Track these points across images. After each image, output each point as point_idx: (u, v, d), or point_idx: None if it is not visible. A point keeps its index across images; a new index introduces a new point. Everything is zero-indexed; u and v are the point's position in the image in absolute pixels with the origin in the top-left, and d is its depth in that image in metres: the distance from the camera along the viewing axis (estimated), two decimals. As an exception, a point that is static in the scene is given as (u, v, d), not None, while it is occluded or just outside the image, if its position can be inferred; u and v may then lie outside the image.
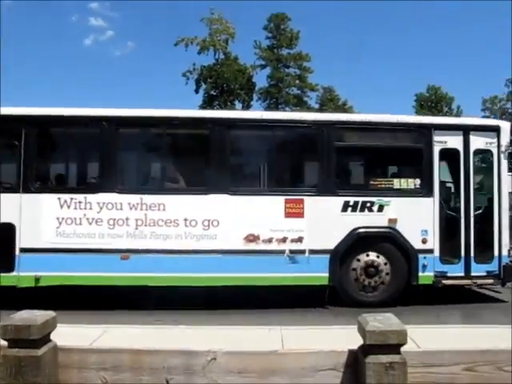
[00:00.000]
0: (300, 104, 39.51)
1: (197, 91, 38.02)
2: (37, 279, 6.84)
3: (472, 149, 7.49)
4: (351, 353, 2.04)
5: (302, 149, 7.98)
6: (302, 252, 7.05)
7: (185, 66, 38.41)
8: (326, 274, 7.08)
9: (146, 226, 7.01)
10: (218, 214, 7.07)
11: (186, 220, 7.04)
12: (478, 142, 7.50)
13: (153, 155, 7.94)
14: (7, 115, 7.06)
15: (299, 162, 8.24)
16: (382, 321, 1.98)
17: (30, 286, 6.83)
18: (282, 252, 7.03)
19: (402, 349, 1.96)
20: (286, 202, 7.14)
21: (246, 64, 38.41)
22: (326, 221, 7.14)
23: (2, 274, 6.82)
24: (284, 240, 7.07)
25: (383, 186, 7.43)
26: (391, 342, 1.90)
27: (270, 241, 7.07)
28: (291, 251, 7.03)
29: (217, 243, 7.04)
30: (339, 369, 2.03)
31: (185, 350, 2.14)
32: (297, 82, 40.42)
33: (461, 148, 7.49)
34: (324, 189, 7.25)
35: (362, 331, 1.95)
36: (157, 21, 53.08)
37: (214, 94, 38.06)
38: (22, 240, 6.91)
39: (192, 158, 7.97)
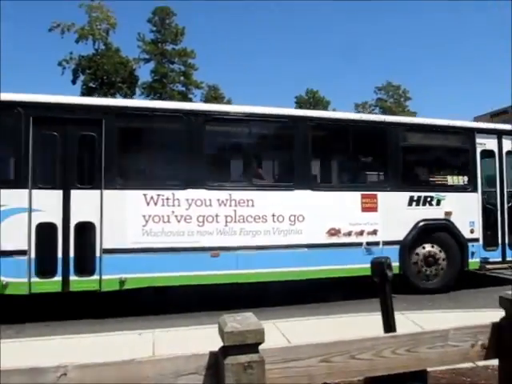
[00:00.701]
0: (184, 101, 39.25)
1: (74, 82, 35.79)
2: (121, 282, 6.33)
3: (504, 150, 8.68)
4: (212, 355, 2.02)
5: (376, 148, 8.47)
6: (377, 244, 7.61)
7: (61, 54, 35.95)
8: (397, 264, 7.56)
9: (235, 222, 6.91)
10: (302, 210, 7.25)
11: (273, 216, 7.12)
12: (509, 144, 8.74)
13: (241, 152, 7.84)
14: (88, 105, 6.72)
15: (373, 160, 8.83)
16: (241, 321, 1.99)
17: (114, 289, 6.26)
18: (360, 244, 7.52)
19: (265, 346, 1.93)
20: (363, 197, 7.65)
21: (128, 57, 37.03)
22: (396, 214, 7.74)
23: (82, 278, 6.23)
24: (361, 233, 7.58)
25: (440, 182, 8.29)
26: (249, 342, 1.92)
27: (349, 234, 7.50)
28: (368, 243, 7.54)
29: (302, 238, 7.24)
30: (201, 372, 2.01)
31: (27, 367, 1.90)
32: (181, 78, 40.12)
33: (496, 149, 8.65)
34: (394, 185, 7.88)
35: (221, 332, 1.92)
36: (28, 1, 48.72)
37: (93, 85, 36.06)
38: (104, 240, 6.31)
39: (278, 154, 8.18)
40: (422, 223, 7.95)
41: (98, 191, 6.42)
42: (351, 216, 7.57)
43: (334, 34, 71.94)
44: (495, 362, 2.89)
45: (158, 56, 39.17)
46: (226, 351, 1.98)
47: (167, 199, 6.65)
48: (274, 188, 7.55)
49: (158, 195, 6.62)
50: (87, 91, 34.95)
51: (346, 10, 70.25)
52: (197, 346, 2.13)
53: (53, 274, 6.24)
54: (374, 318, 3.11)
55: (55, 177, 6.43)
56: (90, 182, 6.53)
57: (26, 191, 6.14)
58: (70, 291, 6.32)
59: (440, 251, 8.13)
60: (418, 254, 8.01)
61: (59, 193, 6.32)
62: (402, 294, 7.11)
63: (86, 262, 6.37)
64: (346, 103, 65.81)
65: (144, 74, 39.97)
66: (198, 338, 2.83)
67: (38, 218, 6.15)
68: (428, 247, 8.11)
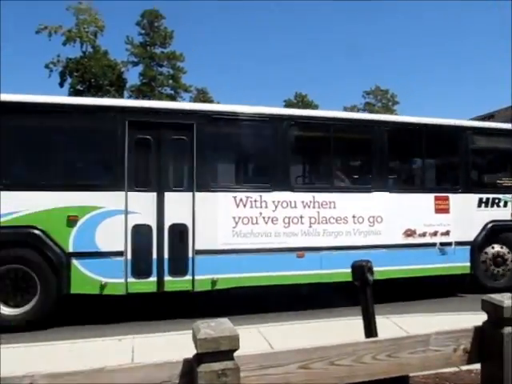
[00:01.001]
0: (173, 104, 39.02)
1: (61, 85, 35.41)
2: (213, 282, 6.49)
3: None
4: (186, 362, 1.95)
5: (448, 151, 8.75)
6: (449, 244, 7.81)
7: (48, 56, 35.61)
8: (468, 264, 7.88)
9: (318, 223, 7.10)
10: (381, 211, 7.44)
11: (354, 217, 7.31)
12: None
13: (323, 155, 8.13)
14: (180, 109, 7.01)
15: (444, 163, 9.10)
16: (215, 327, 1.92)
17: (206, 289, 6.42)
18: (434, 245, 7.71)
19: (243, 352, 1.87)
20: (436, 198, 7.84)
21: (116, 59, 36.80)
22: (466, 215, 7.97)
23: (175, 279, 6.39)
24: (435, 233, 7.77)
25: (506, 184, 8.46)
26: (223, 349, 1.84)
27: (424, 235, 7.69)
28: (441, 244, 7.76)
29: (381, 238, 7.41)
30: (174, 380, 1.94)
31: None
32: (170, 81, 39.93)
33: None
34: (464, 187, 8.08)
35: (195, 339, 1.85)
36: (15, 4, 48.24)
37: (81, 88, 35.74)
38: (196, 242, 6.49)
39: (357, 158, 8.58)
40: (490, 224, 8.14)
41: (190, 194, 6.58)
42: (425, 217, 7.78)
43: (324, 38, 72.38)
44: (479, 366, 2.87)
45: (146, 59, 38.98)
46: (199, 359, 1.92)
47: (255, 201, 6.85)
48: (354, 190, 7.80)
49: (247, 197, 6.82)
50: (74, 94, 34.56)
51: (342, 10, 70.61)
52: (180, 353, 2.06)
53: (148, 274, 6.39)
54: (357, 322, 3.06)
55: (150, 180, 6.59)
56: (183, 184, 6.72)
57: (122, 193, 6.29)
58: (164, 291, 6.45)
59: (508, 252, 8.35)
60: (486, 253, 8.23)
61: (154, 195, 6.47)
62: (472, 293, 7.58)
63: (179, 263, 6.51)
64: (334, 107, 66.19)
65: (132, 77, 39.80)
66: (180, 345, 2.73)
67: (133, 220, 6.31)
68: (497, 247, 8.33)
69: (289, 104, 44.49)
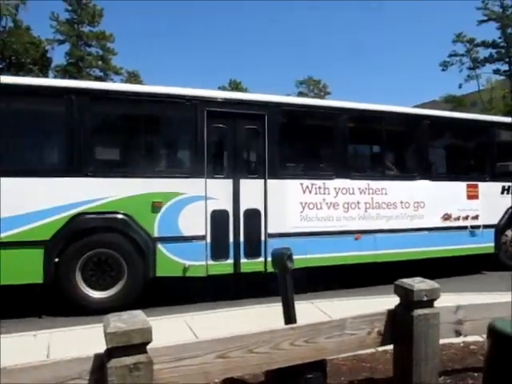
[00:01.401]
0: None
1: (-23, 61, 32.75)
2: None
3: None
4: (97, 358, 1.85)
5: (476, 145, 9.67)
6: (478, 227, 8.78)
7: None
8: (493, 244, 8.88)
9: (372, 208, 7.74)
10: (424, 197, 8.23)
11: (401, 202, 8.04)
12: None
13: (375, 147, 8.89)
14: (253, 100, 7.21)
15: (474, 154, 9.80)
16: (127, 320, 1.86)
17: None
18: (465, 227, 8.65)
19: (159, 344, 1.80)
20: (467, 186, 8.77)
21: (40, 37, 34.54)
22: (492, 201, 8.91)
23: (250, 261, 6.74)
24: (466, 218, 8.69)
25: None
26: (135, 342, 1.79)
27: (458, 219, 8.60)
28: (471, 227, 8.71)
29: (424, 222, 8.19)
30: (84, 377, 1.82)
31: None
32: (99, 62, 38.22)
33: None
34: (491, 176, 9.02)
35: (105, 333, 1.75)
36: None
37: (0, 66, 33.22)
38: (268, 226, 6.86)
39: (404, 149, 9.16)
40: (511, 209, 9.16)
41: (262, 181, 6.90)
42: (459, 203, 8.64)
43: (256, 26, 72.43)
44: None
45: (73, 38, 37.00)
46: (110, 353, 1.84)
47: (319, 188, 7.35)
48: (402, 178, 8.40)
49: (312, 184, 7.28)
50: (-8, 72, 32.09)
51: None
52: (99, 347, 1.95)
53: (226, 257, 6.70)
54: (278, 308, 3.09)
55: (226, 167, 6.88)
56: (256, 172, 6.99)
57: (202, 180, 6.50)
58: (240, 272, 6.74)
59: None
60: (506, 235, 9.23)
61: (230, 182, 6.73)
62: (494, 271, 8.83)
63: (253, 246, 6.83)
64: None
65: (58, 56, 37.60)
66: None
67: (212, 206, 6.57)
68: None
69: (223, 90, 44.22)
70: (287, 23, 70.23)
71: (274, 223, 6.98)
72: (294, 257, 6.34)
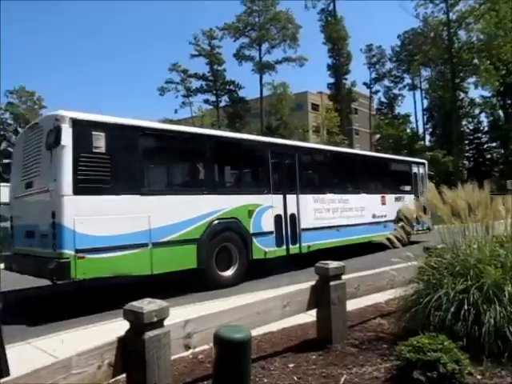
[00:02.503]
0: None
1: None
2: (309, 247, 10.79)
3: (422, 172, 16.43)
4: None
5: (389, 175, 15.44)
6: (387, 221, 13.69)
7: None
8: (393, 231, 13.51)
9: (344, 211, 12.20)
10: (363, 204, 13.22)
11: (355, 207, 12.83)
12: (422, 169, 16.56)
13: (346, 175, 14.06)
14: (291, 145, 12.01)
15: (385, 179, 15.16)
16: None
17: (306, 252, 10.67)
18: (381, 222, 13.56)
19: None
20: (381, 197, 14.15)
21: None
22: (391, 206, 14.12)
23: (293, 246, 10.50)
24: (381, 216, 13.81)
25: (405, 189, 15.84)
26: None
27: (378, 216, 13.72)
28: (384, 221, 13.62)
29: (364, 219, 13.08)
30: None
31: None
32: None
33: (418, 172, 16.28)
34: (390, 190, 14.68)
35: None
36: None
37: None
38: (301, 223, 10.75)
39: (359, 176, 13.95)
40: (399, 211, 13.01)
41: (295, 195, 10.80)
42: (379, 207, 13.76)
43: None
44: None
45: None
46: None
47: (322, 199, 11.55)
48: (353, 192, 12.95)
49: (318, 197, 11.42)
50: None
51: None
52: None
53: (282, 244, 10.26)
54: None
55: (279, 187, 10.49)
56: (293, 190, 10.78)
57: (270, 196, 10.13)
58: (290, 254, 10.32)
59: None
60: (396, 226, 11.89)
61: (281, 197, 10.44)
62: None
63: (294, 237, 10.56)
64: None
65: None
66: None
67: (274, 212, 10.15)
68: (401, 223, 13.78)
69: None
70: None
71: (303, 222, 10.79)
72: (314, 243, 11.41)
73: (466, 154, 61.49)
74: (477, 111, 59.61)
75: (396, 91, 70.45)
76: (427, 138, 67.05)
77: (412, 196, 14.89)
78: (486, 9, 38.52)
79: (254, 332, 3.75)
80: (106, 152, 7.06)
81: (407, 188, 15.57)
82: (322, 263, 4.24)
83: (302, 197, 10.90)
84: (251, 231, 9.42)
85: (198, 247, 8.37)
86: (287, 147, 11.50)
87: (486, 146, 64.04)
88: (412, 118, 67.50)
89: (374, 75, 69.70)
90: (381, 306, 5.53)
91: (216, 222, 8.70)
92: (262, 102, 49.96)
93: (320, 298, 4.21)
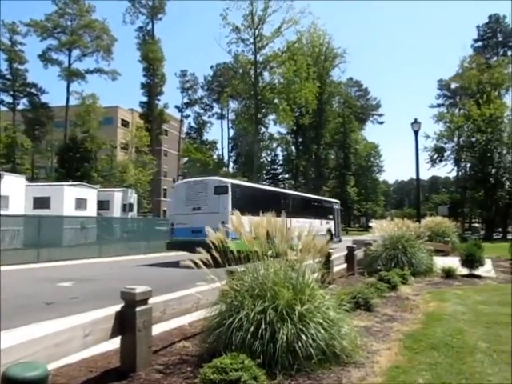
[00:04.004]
0: None
1: None
2: None
3: (337, 208, 29.57)
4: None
5: (322, 209, 27.65)
6: (326, 234, 22.95)
7: None
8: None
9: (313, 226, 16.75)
10: (318, 223, 22.19)
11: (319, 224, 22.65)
12: (337, 206, 29.64)
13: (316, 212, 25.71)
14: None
15: (322, 212, 26.77)
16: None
17: None
18: (324, 235, 21.53)
19: None
20: (321, 220, 24.46)
21: None
22: (327, 225, 26.28)
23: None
24: (324, 230, 24.15)
25: (328, 217, 28.03)
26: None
27: (322, 230, 23.83)
28: (327, 232, 24.45)
29: (323, 230, 23.65)
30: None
31: None
32: None
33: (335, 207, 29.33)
34: (325, 217, 26.59)
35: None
36: None
37: None
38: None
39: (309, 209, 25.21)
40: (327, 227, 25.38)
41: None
42: (320, 225, 22.73)
43: None
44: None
45: None
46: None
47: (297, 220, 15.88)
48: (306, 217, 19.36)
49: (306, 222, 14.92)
50: None
51: None
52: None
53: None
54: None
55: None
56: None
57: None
58: None
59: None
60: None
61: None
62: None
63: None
64: None
65: None
66: None
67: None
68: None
69: None
70: None
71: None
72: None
73: (264, 183, 68.10)
74: (274, 145, 66.97)
75: (205, 118, 74.60)
76: (231, 165, 72.29)
77: (333, 221, 27.24)
78: (286, 57, 43.93)
79: (50, 366, 3.38)
80: (240, 196, 15.97)
81: (330, 216, 27.26)
82: (129, 288, 4.11)
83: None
84: None
85: None
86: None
87: (280, 176, 72.42)
88: (219, 145, 72.22)
89: (186, 100, 72.34)
90: (185, 329, 5.62)
91: None
92: (67, 111, 46.74)
93: (125, 324, 4.04)
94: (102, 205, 29.91)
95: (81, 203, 26.69)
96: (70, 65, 48.25)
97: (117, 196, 32.22)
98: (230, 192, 15.47)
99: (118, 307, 4.08)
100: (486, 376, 4.02)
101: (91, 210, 27.55)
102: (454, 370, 4.17)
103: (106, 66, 49.83)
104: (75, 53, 48.67)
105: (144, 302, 4.09)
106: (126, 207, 32.52)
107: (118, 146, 50.37)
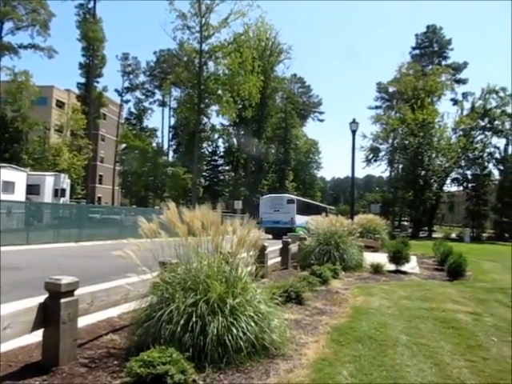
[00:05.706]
0: None
1: None
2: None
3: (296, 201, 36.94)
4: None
5: (310, 207, 37.98)
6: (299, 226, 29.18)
7: None
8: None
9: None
10: (307, 217, 19.57)
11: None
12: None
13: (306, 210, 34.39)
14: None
15: (313, 209, 33.07)
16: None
17: None
18: (304, 226, 20.37)
19: None
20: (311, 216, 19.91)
21: None
22: (306, 218, 19.89)
23: None
24: (305, 222, 18.55)
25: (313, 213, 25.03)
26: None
27: (306, 223, 18.35)
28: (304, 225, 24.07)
29: (302, 222, 25.84)
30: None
31: None
32: None
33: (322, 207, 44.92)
34: (308, 213, 26.63)
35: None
36: None
37: None
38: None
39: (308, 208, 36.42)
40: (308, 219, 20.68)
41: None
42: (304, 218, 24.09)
43: None
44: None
45: None
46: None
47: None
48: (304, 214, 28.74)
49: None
50: None
51: None
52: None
53: None
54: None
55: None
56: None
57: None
58: None
59: None
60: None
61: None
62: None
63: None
64: None
65: None
66: None
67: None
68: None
69: None
70: None
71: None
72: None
73: (204, 174, 67.58)
74: (216, 136, 66.58)
75: (146, 104, 72.61)
76: (171, 154, 71.06)
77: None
78: (232, 49, 43.68)
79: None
80: (299, 204, 33.62)
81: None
82: (54, 278, 3.91)
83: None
84: None
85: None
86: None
87: (220, 168, 72.00)
88: (159, 133, 70.65)
89: (126, 84, 70.08)
90: (114, 321, 5.48)
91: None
92: (-4, 88, 43.52)
93: (49, 316, 3.85)
94: (32, 189, 28.29)
95: (8, 186, 25.13)
96: (0, 37, 45.04)
97: (48, 180, 30.58)
98: (295, 202, 32.62)
99: (42, 298, 3.90)
100: (405, 368, 4.27)
101: (19, 195, 26.01)
102: (377, 362, 4.39)
103: (41, 42, 46.86)
104: (8, 25, 45.34)
105: (70, 293, 3.90)
106: (58, 192, 30.98)
107: (52, 128, 47.82)
